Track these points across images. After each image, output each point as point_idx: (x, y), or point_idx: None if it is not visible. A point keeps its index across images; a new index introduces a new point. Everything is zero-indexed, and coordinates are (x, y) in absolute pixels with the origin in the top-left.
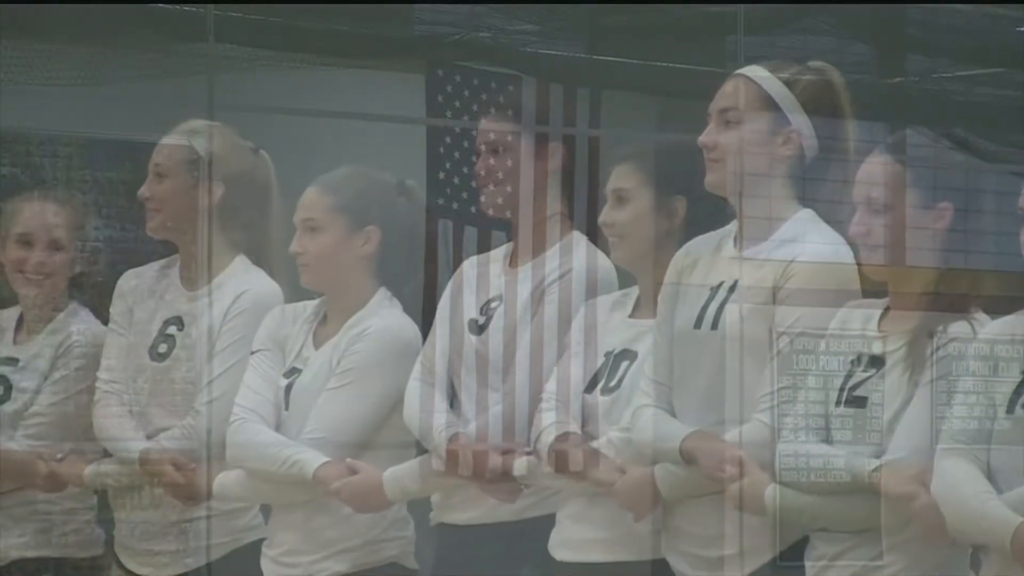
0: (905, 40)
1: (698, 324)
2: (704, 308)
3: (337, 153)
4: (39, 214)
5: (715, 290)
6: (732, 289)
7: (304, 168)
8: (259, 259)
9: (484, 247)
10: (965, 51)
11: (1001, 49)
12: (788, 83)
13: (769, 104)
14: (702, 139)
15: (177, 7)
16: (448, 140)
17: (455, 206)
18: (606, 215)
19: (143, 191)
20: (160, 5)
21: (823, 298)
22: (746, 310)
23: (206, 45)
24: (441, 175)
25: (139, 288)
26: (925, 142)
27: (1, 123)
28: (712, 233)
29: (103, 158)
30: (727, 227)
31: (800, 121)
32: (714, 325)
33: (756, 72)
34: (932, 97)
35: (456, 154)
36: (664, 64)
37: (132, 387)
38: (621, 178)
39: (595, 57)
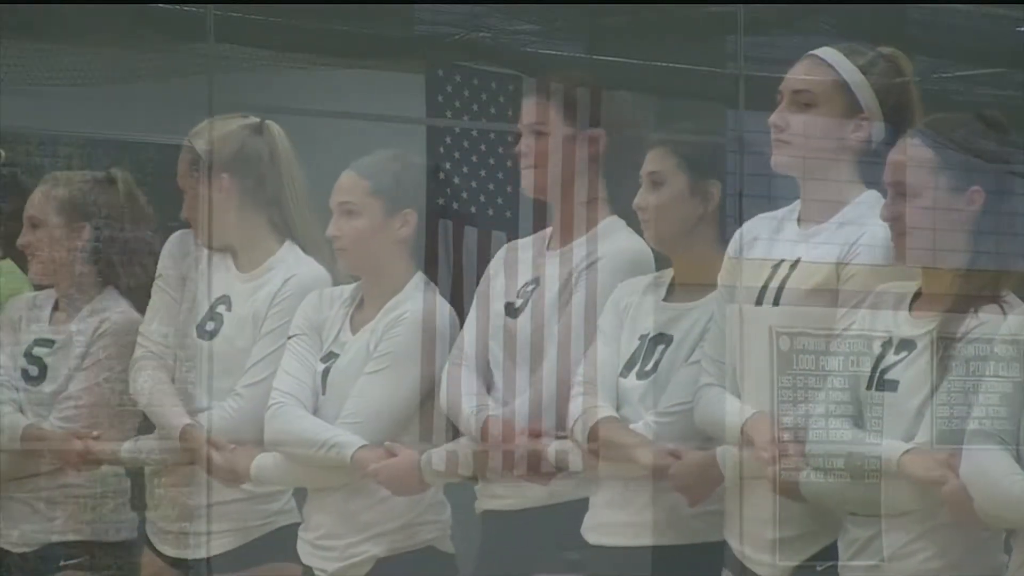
0: (905, 40)
1: (759, 301)
2: (765, 286)
3: (337, 153)
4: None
5: (776, 267)
6: (793, 267)
7: (304, 168)
8: (286, 230)
9: (484, 247)
10: (965, 51)
11: (1001, 49)
12: (862, 69)
13: (843, 89)
14: (772, 118)
15: (177, 7)
16: (448, 140)
17: (455, 206)
18: (640, 198)
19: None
20: (160, 5)
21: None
22: (798, 290)
23: (206, 45)
24: (441, 175)
25: (193, 256)
26: (957, 125)
27: (1, 123)
28: (774, 212)
29: (103, 158)
30: (790, 206)
31: (872, 107)
32: (775, 302)
33: (831, 55)
34: (932, 97)
35: (456, 154)
36: (664, 64)
37: (176, 356)
38: (655, 161)
39: (595, 57)
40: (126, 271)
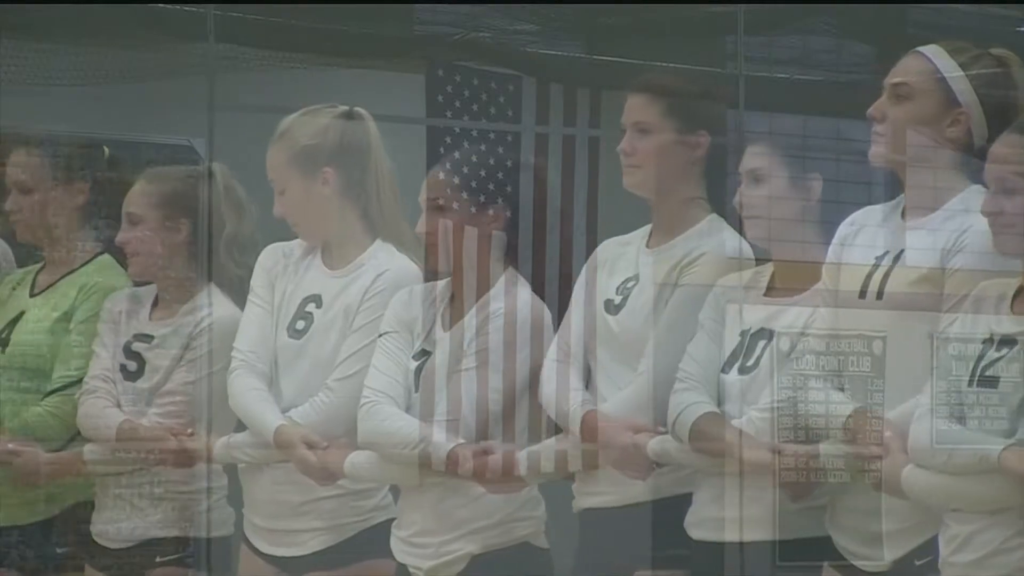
0: (905, 40)
1: (862, 294)
2: (868, 278)
3: None
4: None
5: (879, 259)
6: (897, 259)
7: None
8: (377, 226)
9: (485, 247)
10: None
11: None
12: (963, 66)
13: (940, 83)
14: (871, 111)
15: (177, 7)
16: (448, 140)
17: (455, 206)
18: (741, 194)
19: None
20: (160, 5)
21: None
22: (902, 283)
23: (206, 45)
24: (441, 175)
25: (281, 263)
26: None
27: (1, 123)
28: (880, 205)
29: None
30: (896, 200)
31: (970, 104)
32: (879, 295)
33: (932, 51)
34: None
35: (456, 154)
36: (664, 64)
37: (268, 361)
38: (756, 158)
39: (595, 57)
40: (226, 267)
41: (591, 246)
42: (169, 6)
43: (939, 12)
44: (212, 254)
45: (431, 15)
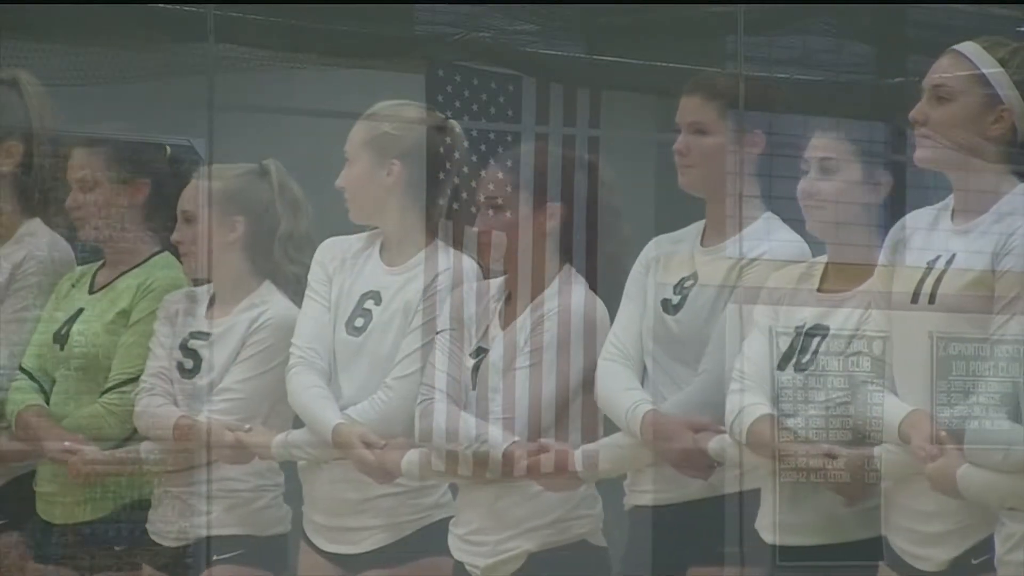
0: (905, 40)
1: (914, 299)
2: (920, 282)
3: (336, 153)
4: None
5: (932, 263)
6: (949, 263)
7: (304, 168)
8: (438, 223)
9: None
10: None
11: None
12: (1002, 61)
13: (981, 82)
14: (912, 114)
15: (177, 7)
16: (448, 140)
17: (455, 206)
18: (809, 184)
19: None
20: (160, 5)
21: None
22: (954, 286)
23: (206, 45)
24: (441, 175)
25: (339, 259)
26: None
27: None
28: (930, 207)
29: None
30: (945, 201)
31: (1012, 100)
32: (931, 298)
33: (970, 49)
34: None
35: (456, 154)
36: (664, 64)
37: (326, 357)
38: (828, 147)
39: (595, 57)
40: (281, 264)
41: (591, 245)
42: (169, 6)
43: (939, 12)
44: (210, 255)
45: (431, 15)
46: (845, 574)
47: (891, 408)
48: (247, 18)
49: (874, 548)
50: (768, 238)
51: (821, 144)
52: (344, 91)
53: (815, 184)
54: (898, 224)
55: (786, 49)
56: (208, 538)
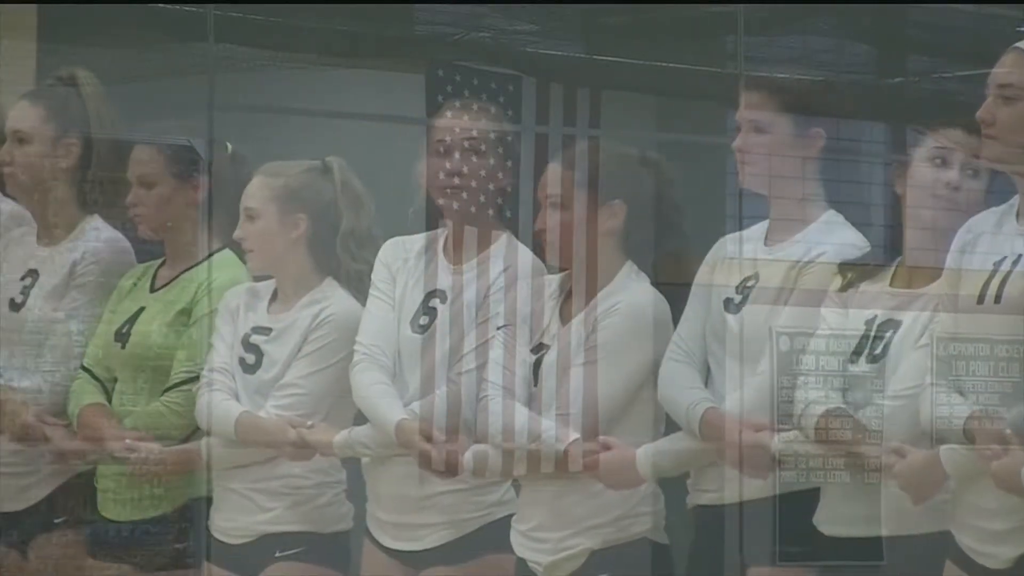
0: (905, 40)
1: (981, 299)
2: (987, 283)
3: (337, 153)
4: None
5: (997, 265)
6: (1016, 263)
7: None
8: (503, 219)
9: (484, 247)
10: (965, 51)
11: (1001, 49)
12: None
13: None
14: (980, 113)
15: (177, 7)
16: (448, 140)
17: (455, 206)
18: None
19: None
20: (160, 5)
21: None
22: (1020, 287)
23: (206, 45)
24: (441, 175)
25: (402, 257)
26: None
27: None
28: (994, 208)
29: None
30: (1010, 202)
31: None
32: (997, 299)
33: None
34: (932, 97)
35: (456, 154)
36: (664, 64)
37: (390, 354)
38: (940, 140)
39: (595, 57)
40: (343, 261)
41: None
42: (169, 6)
43: (939, 12)
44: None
45: (431, 15)
46: (908, 568)
47: (954, 408)
48: (247, 18)
49: (940, 542)
50: (829, 239)
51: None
52: (344, 91)
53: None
54: (964, 227)
55: (786, 49)
56: (270, 535)
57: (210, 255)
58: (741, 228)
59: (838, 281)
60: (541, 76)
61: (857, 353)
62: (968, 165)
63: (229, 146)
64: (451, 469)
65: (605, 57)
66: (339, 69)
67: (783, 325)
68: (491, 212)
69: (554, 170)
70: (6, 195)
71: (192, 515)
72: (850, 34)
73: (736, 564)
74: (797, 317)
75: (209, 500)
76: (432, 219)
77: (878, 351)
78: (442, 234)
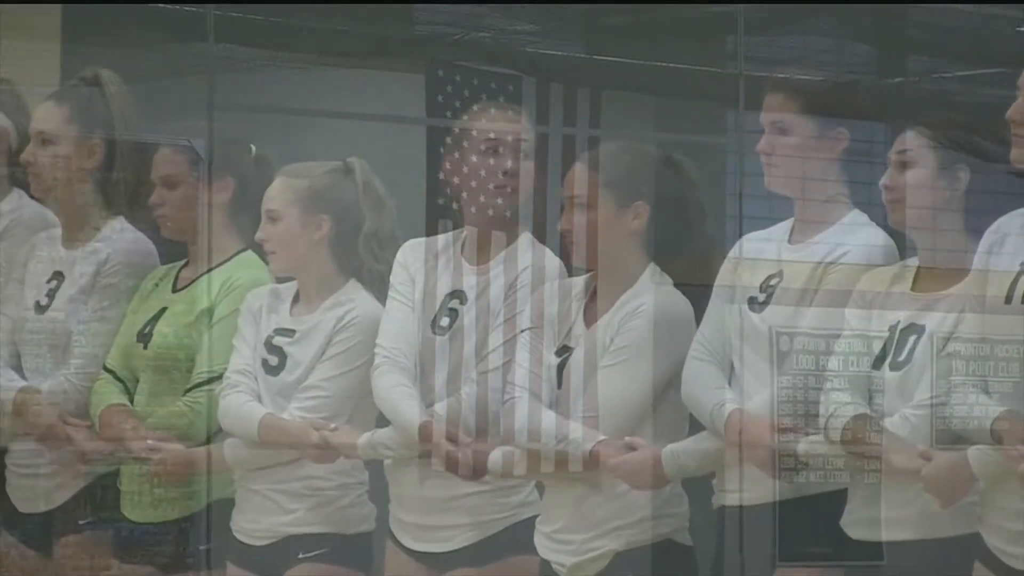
0: (905, 40)
1: (1008, 299)
2: (1014, 284)
3: (337, 153)
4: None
5: None
6: None
7: None
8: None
9: (484, 246)
10: (965, 51)
11: (1001, 49)
12: None
13: None
14: (1009, 113)
15: (177, 7)
16: (448, 140)
17: (455, 206)
18: (888, 178)
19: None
20: (160, 5)
21: None
22: None
23: (206, 45)
24: (441, 175)
25: (421, 259)
26: None
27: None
28: (1021, 210)
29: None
30: None
31: None
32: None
33: None
34: (932, 97)
35: (456, 154)
36: (664, 64)
37: (411, 356)
38: (906, 141)
39: (595, 57)
40: (366, 262)
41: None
42: (169, 6)
43: (939, 12)
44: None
45: (431, 15)
46: (936, 571)
47: (984, 409)
48: (247, 18)
49: (969, 544)
50: (853, 239)
51: (899, 139)
52: (344, 91)
53: (893, 178)
54: (991, 228)
55: (786, 49)
56: (293, 536)
57: (211, 263)
58: (741, 228)
59: (864, 280)
60: (541, 76)
61: (881, 359)
62: (949, 163)
63: (253, 148)
64: (478, 471)
65: (605, 57)
66: (339, 69)
67: (783, 325)
68: (515, 212)
69: (580, 171)
70: (31, 197)
71: (215, 517)
72: (850, 34)
73: (760, 565)
74: (821, 318)
75: (230, 502)
76: (432, 219)
77: (901, 358)
78: (461, 235)
